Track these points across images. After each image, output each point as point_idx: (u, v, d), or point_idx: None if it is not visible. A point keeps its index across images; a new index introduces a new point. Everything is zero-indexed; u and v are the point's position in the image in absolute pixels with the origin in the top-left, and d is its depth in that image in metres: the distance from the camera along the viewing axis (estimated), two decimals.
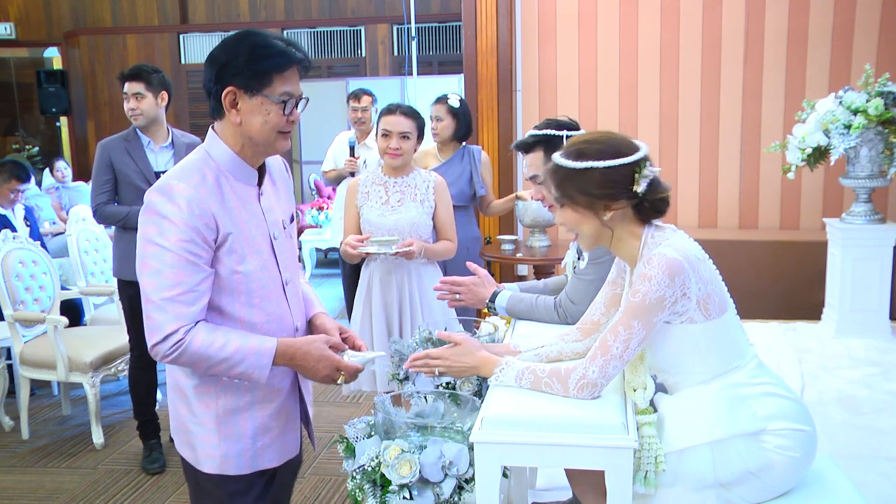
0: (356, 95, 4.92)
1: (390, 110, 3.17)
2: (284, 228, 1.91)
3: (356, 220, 3.21)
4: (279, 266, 1.86)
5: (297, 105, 1.77)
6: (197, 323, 1.70)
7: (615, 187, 1.81)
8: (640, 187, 1.80)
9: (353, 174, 4.79)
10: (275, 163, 1.96)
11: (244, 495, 1.88)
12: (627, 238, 1.88)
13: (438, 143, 4.21)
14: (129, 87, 3.47)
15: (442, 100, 4.15)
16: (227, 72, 1.71)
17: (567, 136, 2.31)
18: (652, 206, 1.85)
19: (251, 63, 1.70)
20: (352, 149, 4.77)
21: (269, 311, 1.83)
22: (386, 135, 3.12)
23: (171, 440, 1.98)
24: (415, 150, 3.22)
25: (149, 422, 3.69)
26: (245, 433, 1.84)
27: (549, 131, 2.44)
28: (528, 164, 2.52)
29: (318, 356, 1.79)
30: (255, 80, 1.70)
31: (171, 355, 1.68)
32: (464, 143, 4.21)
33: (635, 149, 1.84)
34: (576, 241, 2.41)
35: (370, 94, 4.94)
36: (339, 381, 1.83)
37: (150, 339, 1.68)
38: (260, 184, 1.85)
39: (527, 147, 2.50)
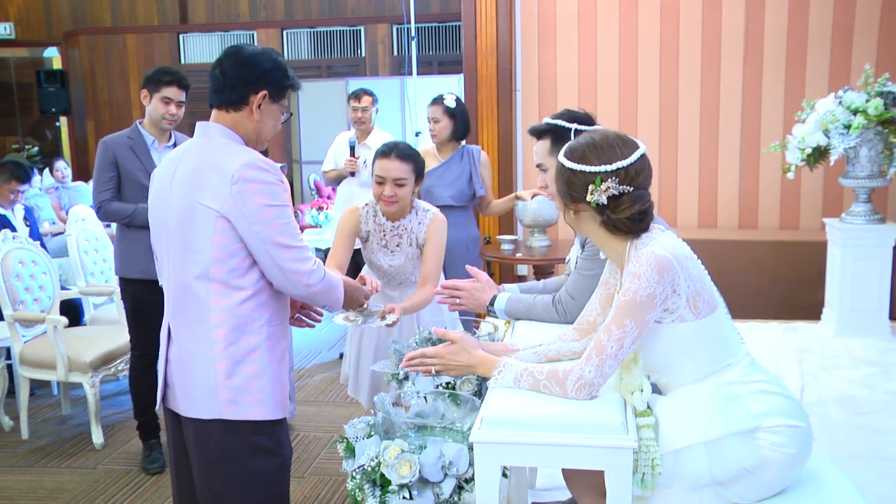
0: (356, 95, 4.92)
1: (385, 153, 2.93)
2: None
3: (348, 249, 3.01)
4: None
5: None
6: None
7: (575, 190, 1.86)
8: (594, 198, 1.82)
9: (353, 174, 4.80)
10: None
11: (287, 441, 2.11)
12: (610, 240, 1.89)
13: (437, 144, 4.20)
14: (175, 93, 3.42)
15: (438, 101, 4.14)
16: (268, 77, 2.01)
17: (576, 130, 2.29)
18: (610, 222, 1.84)
19: (282, 77, 2.04)
20: (352, 149, 4.78)
21: None
22: (380, 182, 2.91)
23: None
24: (413, 192, 3.00)
25: (149, 422, 3.69)
26: (285, 378, 2.09)
27: (560, 122, 2.40)
28: (535, 151, 2.50)
29: (357, 287, 2.32)
30: (280, 91, 2.05)
31: (321, 279, 2.01)
32: (463, 143, 4.21)
33: (609, 160, 1.82)
34: (578, 236, 2.44)
35: (370, 93, 4.94)
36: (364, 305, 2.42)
37: (303, 270, 1.97)
38: None
39: (538, 133, 2.46)
